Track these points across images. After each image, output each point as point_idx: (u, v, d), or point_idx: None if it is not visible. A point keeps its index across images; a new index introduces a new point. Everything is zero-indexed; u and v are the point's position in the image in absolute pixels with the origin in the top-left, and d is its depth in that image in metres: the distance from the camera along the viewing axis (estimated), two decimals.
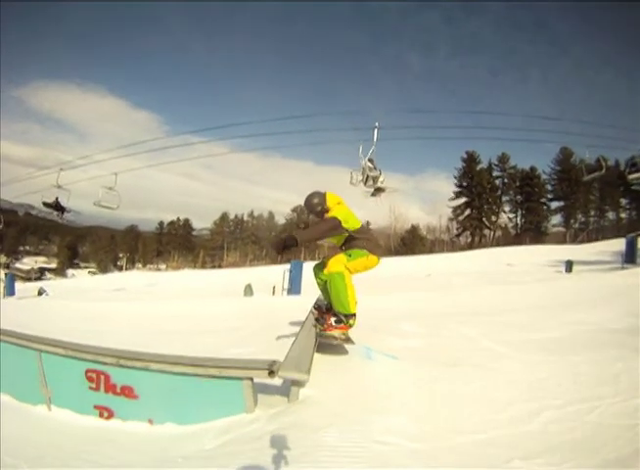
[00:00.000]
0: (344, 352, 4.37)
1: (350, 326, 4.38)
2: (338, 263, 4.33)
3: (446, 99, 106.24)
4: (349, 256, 4.42)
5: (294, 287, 19.93)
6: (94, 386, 3.48)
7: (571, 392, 2.98)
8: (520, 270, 26.65)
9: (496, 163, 73.93)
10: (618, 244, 30.81)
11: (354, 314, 4.39)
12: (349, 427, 2.55)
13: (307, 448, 2.27)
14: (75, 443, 3.03)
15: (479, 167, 73.41)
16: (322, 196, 4.77)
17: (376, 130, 14.01)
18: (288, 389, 3.27)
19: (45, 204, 19.45)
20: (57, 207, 19.76)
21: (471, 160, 73.96)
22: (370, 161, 14.21)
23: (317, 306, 5.14)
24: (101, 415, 3.46)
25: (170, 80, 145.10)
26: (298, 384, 3.21)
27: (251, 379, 3.18)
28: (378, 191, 14.67)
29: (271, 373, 3.07)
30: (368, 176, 14.25)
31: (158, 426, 3.25)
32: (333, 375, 3.40)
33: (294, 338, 4.33)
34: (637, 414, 2.65)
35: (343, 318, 4.36)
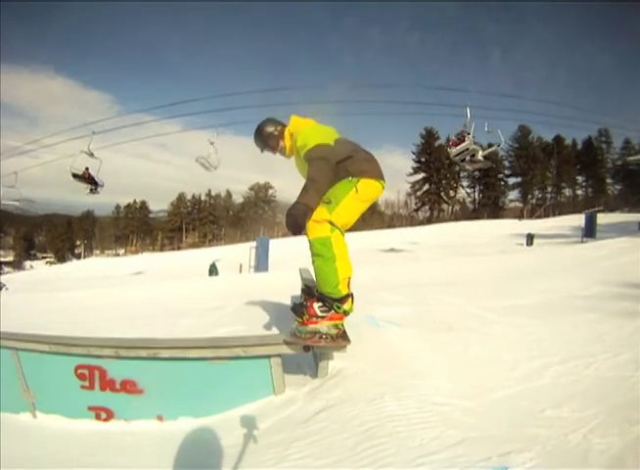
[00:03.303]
0: (348, 321, 3.99)
1: (346, 314, 3.05)
2: (318, 225, 3.01)
3: (405, 74, 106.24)
4: (328, 202, 3.06)
5: (260, 264, 20.13)
6: (87, 384, 3.02)
7: (564, 350, 3.10)
8: (481, 243, 27.35)
9: (495, 141, 75.06)
10: (577, 219, 31.92)
11: (349, 295, 3.06)
12: (401, 393, 2.48)
13: (375, 422, 2.17)
14: (73, 453, 2.65)
15: (437, 143, 74.30)
16: (278, 122, 3.57)
17: (468, 108, 15.89)
18: (312, 364, 3.10)
19: (75, 176, 16.76)
20: (89, 179, 17.19)
21: (429, 136, 74.76)
22: (473, 136, 15.70)
23: (306, 288, 3.64)
24: (98, 417, 3.01)
25: (119, 56, 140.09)
26: (328, 357, 3.00)
27: (280, 356, 2.88)
28: (473, 163, 16.46)
29: (306, 347, 2.80)
30: (468, 149, 15.74)
31: (170, 422, 2.89)
32: (352, 345, 3.02)
33: (280, 314, 4.14)
34: (628, 367, 2.82)
35: (333, 303, 3.00)
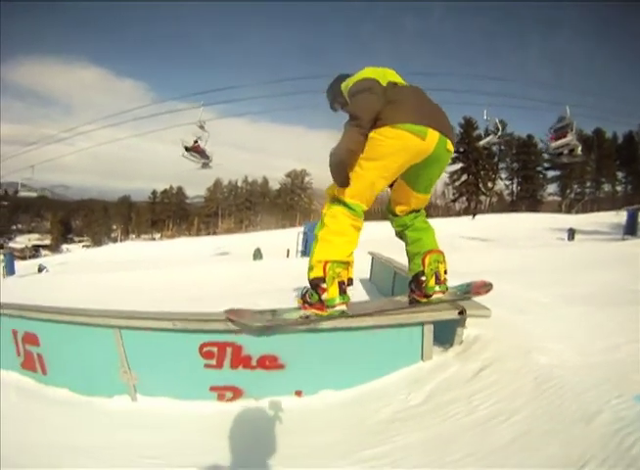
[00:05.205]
0: None
1: (327, 306, 2.56)
2: (326, 202, 2.75)
3: (441, 62, 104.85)
4: None
5: (309, 249, 20.42)
6: (213, 362, 2.74)
7: (629, 332, 3.32)
8: (521, 236, 27.15)
9: (493, 129, 74.07)
10: (614, 216, 31.44)
11: (321, 279, 2.53)
12: (542, 350, 2.61)
13: (539, 371, 2.32)
14: (189, 437, 2.40)
15: (475, 133, 73.41)
16: (347, 76, 2.87)
17: (568, 107, 17.44)
18: (447, 332, 2.96)
19: (187, 149, 16.55)
20: (200, 152, 16.78)
21: (468, 125, 73.91)
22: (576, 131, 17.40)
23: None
24: (220, 398, 2.75)
25: (153, 45, 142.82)
26: (464, 324, 2.90)
27: (433, 323, 2.75)
28: (572, 158, 18.50)
29: (461, 313, 2.73)
30: (569, 144, 17.36)
31: (309, 397, 2.71)
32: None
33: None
34: None
35: (309, 290, 2.63)
